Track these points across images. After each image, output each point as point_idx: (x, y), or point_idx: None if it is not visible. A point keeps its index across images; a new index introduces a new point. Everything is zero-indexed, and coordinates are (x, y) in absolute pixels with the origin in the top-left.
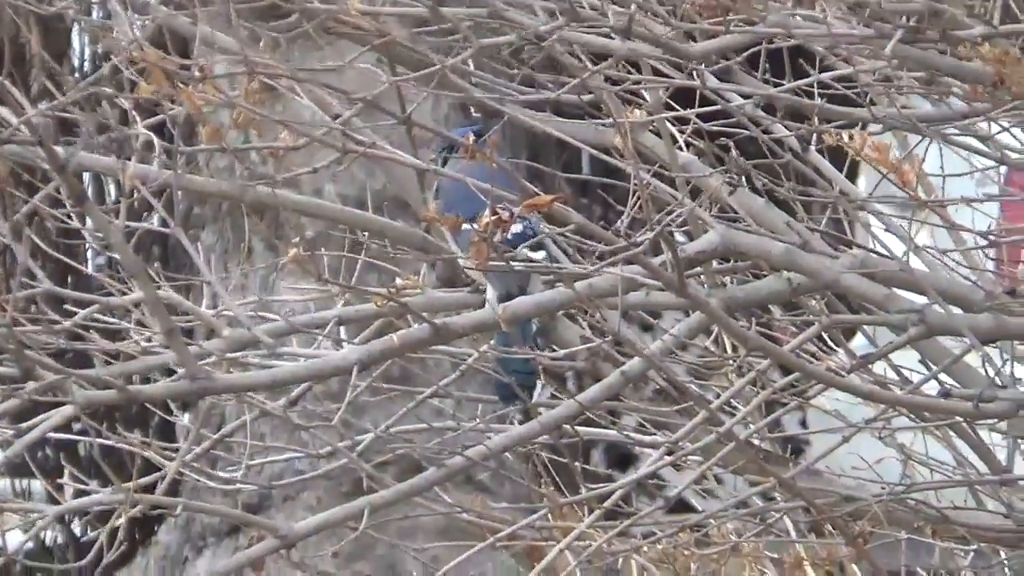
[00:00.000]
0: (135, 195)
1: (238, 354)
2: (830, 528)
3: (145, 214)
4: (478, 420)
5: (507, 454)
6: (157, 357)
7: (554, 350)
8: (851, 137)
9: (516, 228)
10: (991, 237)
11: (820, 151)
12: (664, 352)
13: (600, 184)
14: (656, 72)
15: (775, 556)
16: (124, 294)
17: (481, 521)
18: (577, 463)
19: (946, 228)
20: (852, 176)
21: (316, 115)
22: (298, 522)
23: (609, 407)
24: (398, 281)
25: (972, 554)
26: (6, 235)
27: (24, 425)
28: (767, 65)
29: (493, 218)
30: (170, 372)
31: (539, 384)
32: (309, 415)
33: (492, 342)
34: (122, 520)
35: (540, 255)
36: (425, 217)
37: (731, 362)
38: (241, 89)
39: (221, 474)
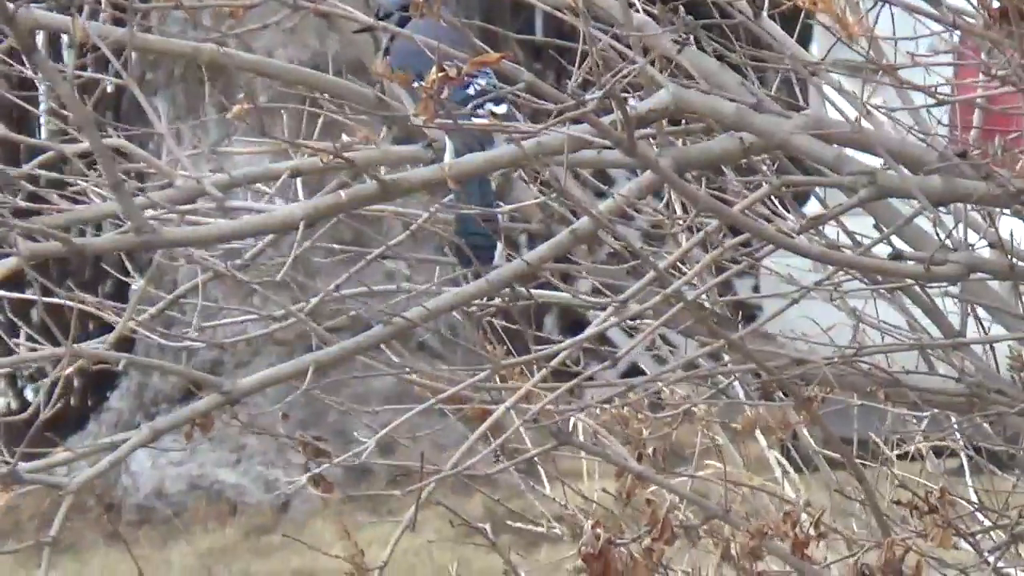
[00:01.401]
0: (88, 50)
1: (187, 207)
2: (781, 395)
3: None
4: (432, 284)
5: (459, 319)
6: (103, 206)
7: (496, 203)
8: None
9: (480, 82)
10: (939, 96)
11: (772, 17)
12: (614, 212)
13: (554, 49)
14: None
15: (726, 422)
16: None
17: (431, 384)
18: (529, 328)
19: (896, 88)
20: (804, 43)
21: None
22: (245, 379)
23: (562, 271)
24: (344, 137)
25: (926, 420)
26: None
27: None
28: None
29: (440, 75)
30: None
31: (499, 245)
32: (260, 273)
33: (447, 199)
34: (58, 373)
35: (502, 109)
36: (375, 73)
37: (681, 223)
38: None
39: (173, 338)
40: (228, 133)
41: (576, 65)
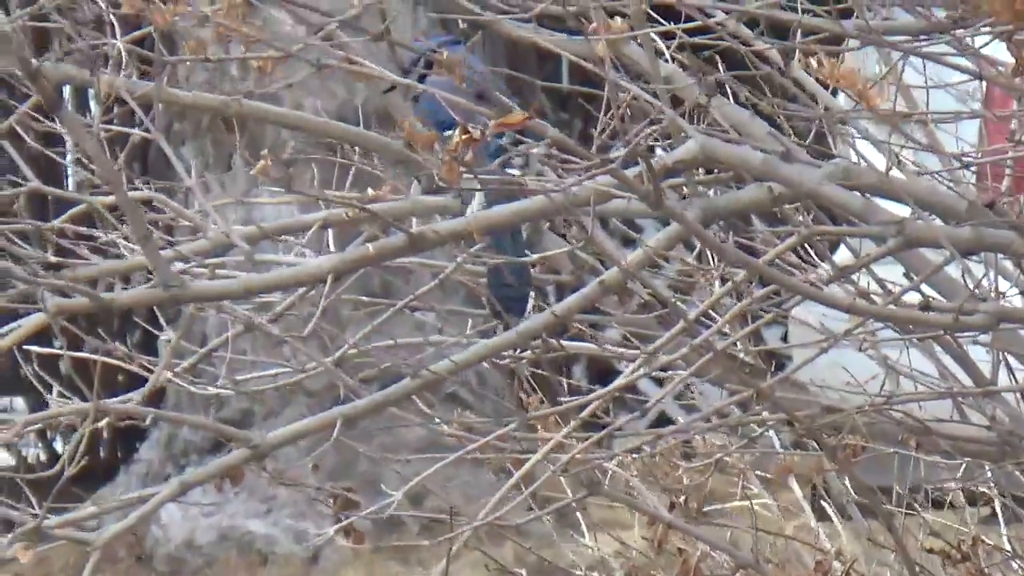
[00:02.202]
0: (114, 104)
1: (215, 260)
2: (814, 444)
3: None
4: (464, 335)
5: (488, 369)
6: (131, 260)
7: (527, 254)
8: (819, 63)
9: (504, 140)
10: (967, 158)
11: (805, 68)
12: (643, 263)
13: (580, 97)
14: None
15: (759, 473)
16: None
17: (461, 433)
18: (558, 378)
19: (925, 149)
20: (834, 90)
21: (294, 30)
22: (274, 432)
23: (590, 321)
24: (369, 190)
25: (959, 469)
26: None
27: None
28: None
29: (464, 136)
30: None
31: (531, 299)
32: (290, 326)
33: (475, 248)
34: (87, 428)
35: (536, 150)
36: (402, 129)
37: (712, 274)
38: (221, 4)
39: (202, 387)
40: (256, 182)
41: (603, 113)
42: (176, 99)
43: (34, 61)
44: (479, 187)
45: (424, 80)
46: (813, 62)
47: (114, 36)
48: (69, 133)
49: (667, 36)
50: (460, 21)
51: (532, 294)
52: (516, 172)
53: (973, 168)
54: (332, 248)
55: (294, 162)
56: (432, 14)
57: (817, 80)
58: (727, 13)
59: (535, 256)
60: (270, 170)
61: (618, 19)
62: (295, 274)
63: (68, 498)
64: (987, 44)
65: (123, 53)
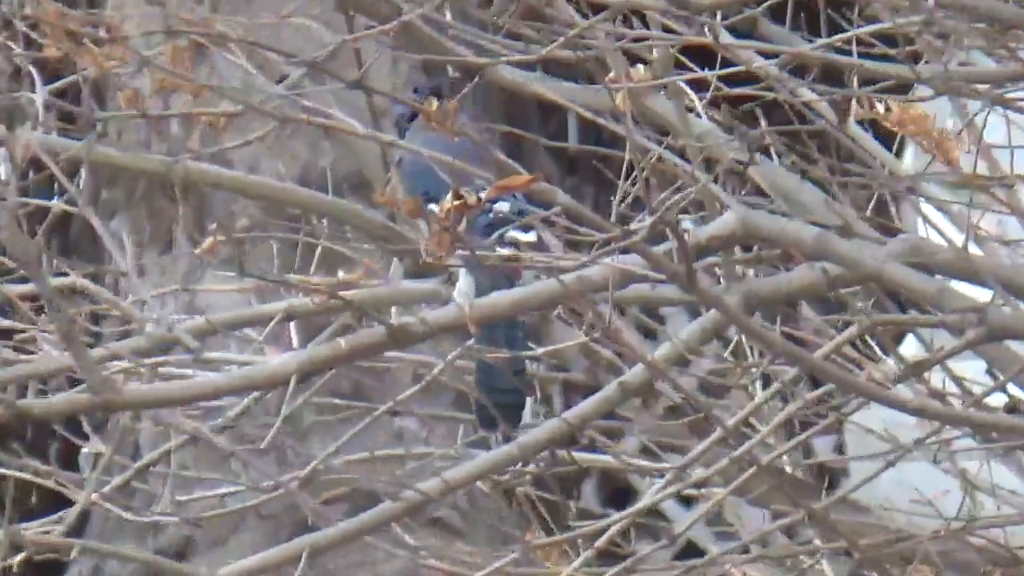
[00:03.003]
0: (30, 168)
1: (154, 360)
2: None
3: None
4: (453, 446)
5: (480, 487)
6: (53, 360)
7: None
8: (887, 108)
9: (503, 206)
10: None
11: (860, 122)
12: (672, 359)
13: (592, 157)
14: (663, 27)
15: None
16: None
17: (450, 568)
18: (566, 500)
19: (1009, 213)
20: (898, 150)
21: (248, 79)
22: (225, 568)
23: (605, 428)
24: (340, 274)
25: None
26: None
27: None
28: (797, 18)
29: (457, 202)
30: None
31: (529, 402)
32: (241, 438)
33: (468, 343)
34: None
35: (530, 237)
36: (381, 200)
37: (752, 372)
38: (161, 49)
39: (135, 511)
40: (202, 263)
41: (621, 177)
42: (110, 160)
43: None
44: (471, 265)
45: (405, 137)
46: (879, 107)
47: (32, 87)
48: None
49: (700, 86)
50: (449, 67)
51: (531, 398)
52: (514, 249)
53: None
54: (295, 343)
55: (247, 239)
56: (415, 56)
57: (877, 137)
58: (774, 56)
59: (540, 350)
60: (218, 248)
61: (640, 66)
62: (251, 376)
63: None
64: None
65: (41, 105)
